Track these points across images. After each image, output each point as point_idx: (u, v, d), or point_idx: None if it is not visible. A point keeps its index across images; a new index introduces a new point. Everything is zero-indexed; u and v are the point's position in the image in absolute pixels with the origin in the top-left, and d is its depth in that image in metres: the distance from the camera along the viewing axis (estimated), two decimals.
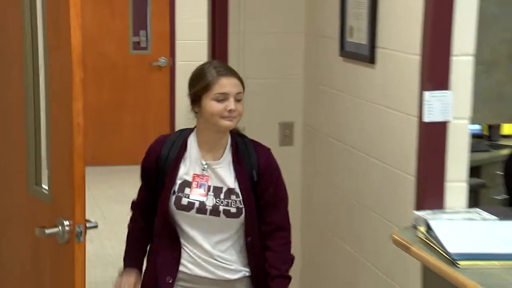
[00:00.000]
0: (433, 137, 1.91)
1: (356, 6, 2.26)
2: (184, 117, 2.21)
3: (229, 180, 1.83)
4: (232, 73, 1.83)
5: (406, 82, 1.97)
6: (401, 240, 1.82)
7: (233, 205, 1.82)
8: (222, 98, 1.75)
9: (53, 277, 1.76)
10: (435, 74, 1.87)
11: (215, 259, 1.84)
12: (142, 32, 6.04)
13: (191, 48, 4.80)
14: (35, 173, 1.80)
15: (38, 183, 1.81)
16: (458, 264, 1.65)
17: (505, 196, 3.45)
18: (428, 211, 1.90)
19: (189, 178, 1.82)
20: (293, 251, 1.96)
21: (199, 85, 1.78)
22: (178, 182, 1.83)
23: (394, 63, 2.07)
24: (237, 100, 1.80)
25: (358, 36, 2.23)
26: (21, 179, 1.84)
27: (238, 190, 1.83)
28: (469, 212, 2.00)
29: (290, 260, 1.91)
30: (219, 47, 2.74)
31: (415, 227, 1.84)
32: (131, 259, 1.95)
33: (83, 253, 1.60)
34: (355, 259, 2.37)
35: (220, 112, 1.75)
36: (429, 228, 1.75)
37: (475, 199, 2.78)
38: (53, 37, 1.65)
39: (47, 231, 1.61)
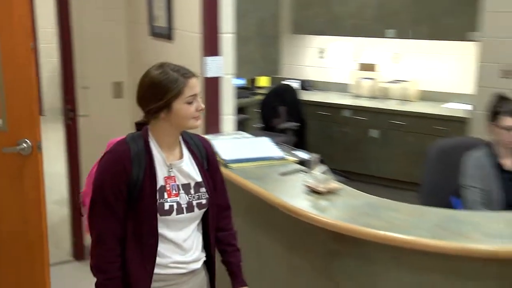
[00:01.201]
0: (212, 86, 2.90)
1: (158, 0, 3.22)
2: None
3: (194, 174, 1.83)
4: (191, 72, 1.79)
5: (193, 52, 2.92)
6: None
7: (203, 196, 1.82)
8: (192, 100, 1.74)
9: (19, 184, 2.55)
10: (211, 46, 2.86)
11: (187, 254, 1.83)
12: None
13: None
14: None
15: None
16: (230, 166, 2.56)
17: (260, 125, 5.30)
18: (211, 135, 2.86)
19: (163, 183, 1.77)
20: None
21: (171, 92, 1.71)
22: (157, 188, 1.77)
23: (185, 39, 3.05)
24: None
25: (160, 21, 3.21)
26: None
27: (202, 181, 1.84)
28: (236, 133, 3.03)
29: (236, 233, 2.03)
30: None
31: None
32: None
33: (42, 160, 2.52)
34: None
35: (192, 113, 1.75)
36: None
37: (242, 127, 3.86)
38: None
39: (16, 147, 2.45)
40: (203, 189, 1.82)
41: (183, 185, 1.80)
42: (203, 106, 1.78)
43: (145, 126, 1.80)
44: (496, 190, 2.90)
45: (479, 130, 3.60)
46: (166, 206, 1.74)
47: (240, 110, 4.61)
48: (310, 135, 5.40)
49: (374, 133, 5.23)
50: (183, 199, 1.78)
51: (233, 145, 2.85)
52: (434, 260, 2.09)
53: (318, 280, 2.59)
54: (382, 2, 5.27)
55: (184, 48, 3.07)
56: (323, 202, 2.54)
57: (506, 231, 2.15)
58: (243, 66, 4.08)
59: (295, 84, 5.76)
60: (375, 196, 2.65)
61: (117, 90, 3.72)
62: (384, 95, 5.51)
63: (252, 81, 5.90)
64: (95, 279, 1.77)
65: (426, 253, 2.12)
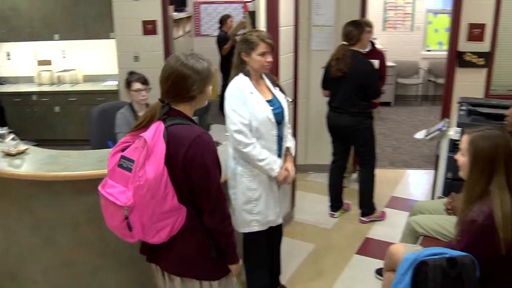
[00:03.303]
0: None
1: None
2: None
3: None
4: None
5: None
6: None
7: None
8: None
9: None
10: None
11: None
12: None
13: None
14: None
15: None
16: None
17: None
18: None
19: None
20: None
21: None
22: None
23: None
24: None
25: None
26: None
27: None
28: None
29: None
30: None
31: None
32: None
33: None
34: None
35: None
36: None
37: None
38: None
39: None
40: None
41: None
42: None
43: None
44: None
45: (124, 96, 4.77)
46: None
47: None
48: (11, 117, 6.81)
49: (57, 109, 6.98)
50: None
51: None
52: (98, 183, 2.20)
53: (21, 216, 3.14)
54: (47, 14, 6.90)
55: None
56: (16, 161, 3.07)
57: None
58: None
59: None
60: (54, 150, 3.32)
61: None
62: (60, 81, 7.32)
63: None
64: None
65: (93, 180, 2.58)
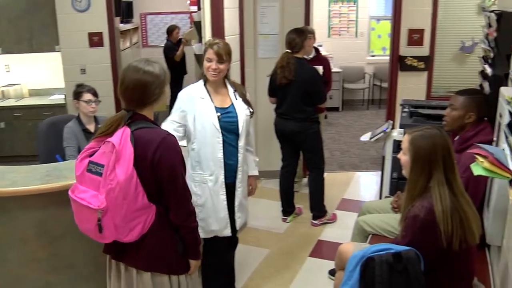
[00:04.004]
0: None
1: None
2: None
3: None
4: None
5: None
6: None
7: None
8: None
9: None
10: None
11: None
12: None
13: None
14: None
15: None
16: None
17: None
18: None
19: None
20: None
21: None
22: None
23: None
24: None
25: None
26: None
27: None
28: None
29: None
30: None
31: None
32: None
33: None
34: None
35: None
36: None
37: None
38: None
39: None
40: None
41: None
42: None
43: None
44: (84, 145, 3.15)
45: (72, 110, 4.93)
46: None
47: None
48: None
49: (1, 125, 6.78)
50: None
51: None
52: (47, 197, 2.59)
53: None
54: None
55: None
56: None
57: None
58: None
59: None
60: (1, 166, 3.28)
61: None
62: (4, 96, 7.12)
63: None
64: None
65: (41, 195, 2.72)
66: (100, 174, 2.15)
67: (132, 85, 2.26)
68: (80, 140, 3.93)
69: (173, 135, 2.31)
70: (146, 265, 2.35)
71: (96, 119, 4.11)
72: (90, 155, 2.24)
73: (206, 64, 3.12)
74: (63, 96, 6.63)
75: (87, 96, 3.95)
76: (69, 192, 2.24)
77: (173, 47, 8.19)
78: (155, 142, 2.21)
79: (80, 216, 2.23)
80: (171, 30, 8.32)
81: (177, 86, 7.74)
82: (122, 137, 2.18)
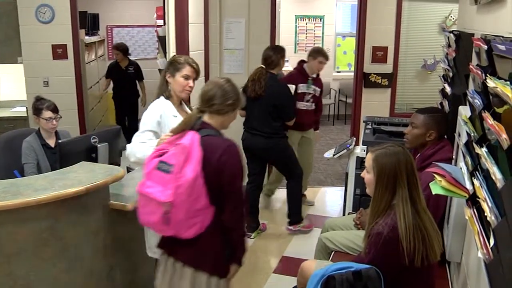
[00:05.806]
0: None
1: None
2: None
3: None
4: None
5: None
6: None
7: None
8: None
9: None
10: None
11: None
12: None
13: None
14: None
15: None
16: None
17: None
18: None
19: None
20: None
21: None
22: None
23: None
24: None
25: None
26: None
27: None
28: None
29: None
30: None
31: None
32: None
33: None
34: None
35: None
36: None
37: None
38: None
39: None
40: None
41: None
42: None
43: None
44: (43, 161, 3.80)
45: (34, 123, 4.28)
46: None
47: None
48: None
49: None
50: None
51: None
52: (6, 215, 2.49)
53: None
54: None
55: None
56: None
57: (48, 185, 2.79)
58: None
59: None
60: None
61: None
62: None
63: None
64: None
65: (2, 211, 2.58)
66: (168, 172, 2.32)
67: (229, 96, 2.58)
68: (39, 155, 3.84)
69: (237, 144, 2.51)
70: (193, 261, 2.49)
71: (57, 134, 4.02)
72: (160, 155, 2.41)
73: (182, 81, 3.12)
74: (24, 109, 6.49)
75: (47, 114, 3.86)
76: (137, 187, 2.41)
77: (117, 68, 8.00)
78: (221, 149, 2.42)
79: (145, 209, 2.40)
80: (126, 49, 8.04)
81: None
82: (193, 140, 2.38)
